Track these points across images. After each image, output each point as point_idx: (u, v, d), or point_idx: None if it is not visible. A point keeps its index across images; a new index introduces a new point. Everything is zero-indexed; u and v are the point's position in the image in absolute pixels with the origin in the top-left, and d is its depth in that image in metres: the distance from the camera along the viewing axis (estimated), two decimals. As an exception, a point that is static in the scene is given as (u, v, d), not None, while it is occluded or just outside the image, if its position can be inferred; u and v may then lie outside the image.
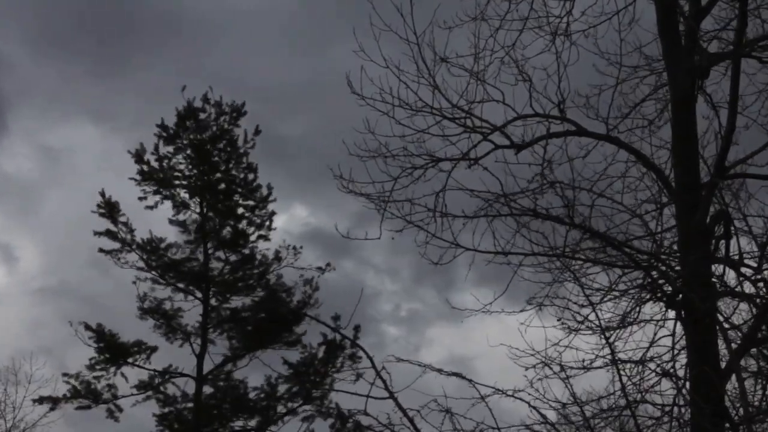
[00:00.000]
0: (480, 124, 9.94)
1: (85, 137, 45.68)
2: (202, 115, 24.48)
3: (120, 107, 46.34)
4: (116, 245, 23.90)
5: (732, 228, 9.76)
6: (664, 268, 9.56)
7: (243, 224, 24.47)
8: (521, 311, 9.71)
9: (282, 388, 23.81)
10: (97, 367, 23.45)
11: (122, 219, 24.01)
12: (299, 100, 43.04)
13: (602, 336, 8.88)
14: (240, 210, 24.49)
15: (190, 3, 46.28)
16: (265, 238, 24.52)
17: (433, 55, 9.90)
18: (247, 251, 24.33)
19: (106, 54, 47.32)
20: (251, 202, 24.58)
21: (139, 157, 24.19)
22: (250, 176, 24.75)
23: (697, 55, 9.77)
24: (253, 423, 23.77)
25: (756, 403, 9.35)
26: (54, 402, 23.33)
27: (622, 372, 8.33)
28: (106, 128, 46.60)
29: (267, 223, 24.57)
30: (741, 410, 8.88)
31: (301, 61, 46.00)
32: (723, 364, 9.28)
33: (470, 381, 7.86)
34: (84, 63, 47.48)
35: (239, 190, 24.60)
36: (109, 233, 23.87)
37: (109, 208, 23.93)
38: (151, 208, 24.30)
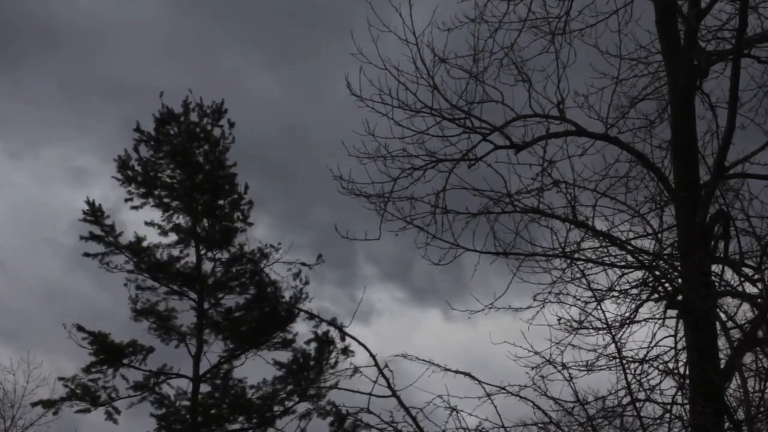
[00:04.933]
0: (479, 125, 9.92)
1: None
2: (182, 119, 24.72)
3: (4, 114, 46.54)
4: (102, 248, 24.10)
5: (732, 228, 9.76)
6: (665, 267, 9.54)
7: (228, 222, 24.68)
8: (528, 308, 9.67)
9: (279, 388, 23.88)
10: (93, 369, 23.44)
11: (108, 222, 24.17)
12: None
13: (609, 333, 8.87)
14: (224, 209, 24.73)
15: (69, 13, 47.71)
16: (243, 230, 24.77)
17: (432, 56, 9.90)
18: (234, 249, 24.48)
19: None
20: (231, 200, 24.78)
21: (123, 163, 24.36)
22: (232, 174, 25.02)
23: (697, 54, 9.77)
24: (251, 423, 23.79)
25: (756, 403, 9.31)
26: (51, 405, 23.32)
27: (627, 371, 8.33)
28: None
29: (247, 216, 24.77)
30: (742, 410, 8.87)
31: (184, 69, 47.15)
32: (722, 364, 9.27)
33: (475, 379, 7.84)
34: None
35: (225, 187, 24.75)
36: (94, 237, 23.98)
37: (94, 213, 24.03)
38: (136, 208, 24.54)
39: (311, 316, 23.35)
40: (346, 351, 23.75)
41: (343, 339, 23.55)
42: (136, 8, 48.35)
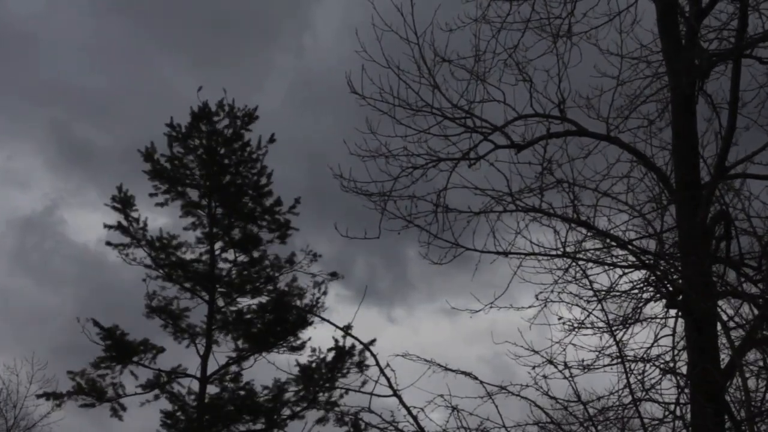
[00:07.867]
0: (480, 124, 9.93)
1: None
2: (216, 118, 24.60)
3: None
4: (126, 239, 23.98)
5: (732, 228, 9.76)
6: (666, 267, 9.54)
7: (254, 227, 24.51)
8: (529, 307, 9.68)
9: (288, 391, 23.85)
10: (102, 365, 23.38)
11: (134, 215, 24.03)
12: (111, 108, 46.45)
13: (609, 333, 8.88)
14: (251, 212, 24.55)
15: None
16: (282, 241, 24.66)
17: (433, 55, 9.90)
18: (256, 254, 24.33)
19: None
20: (262, 206, 24.64)
21: (148, 155, 24.23)
22: (262, 180, 24.87)
23: (698, 55, 9.77)
24: (258, 425, 23.74)
25: (757, 403, 9.32)
26: (57, 398, 23.28)
27: (628, 370, 8.34)
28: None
29: (283, 230, 24.58)
30: (743, 409, 8.87)
31: (114, 72, 49.07)
32: (722, 364, 9.27)
33: (476, 378, 7.85)
34: None
35: (250, 192, 24.61)
36: (120, 227, 23.84)
37: (123, 203, 23.88)
38: (161, 205, 24.41)
39: (323, 320, 23.23)
40: (361, 365, 23.58)
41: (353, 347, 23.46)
42: (61, 11, 48.79)
